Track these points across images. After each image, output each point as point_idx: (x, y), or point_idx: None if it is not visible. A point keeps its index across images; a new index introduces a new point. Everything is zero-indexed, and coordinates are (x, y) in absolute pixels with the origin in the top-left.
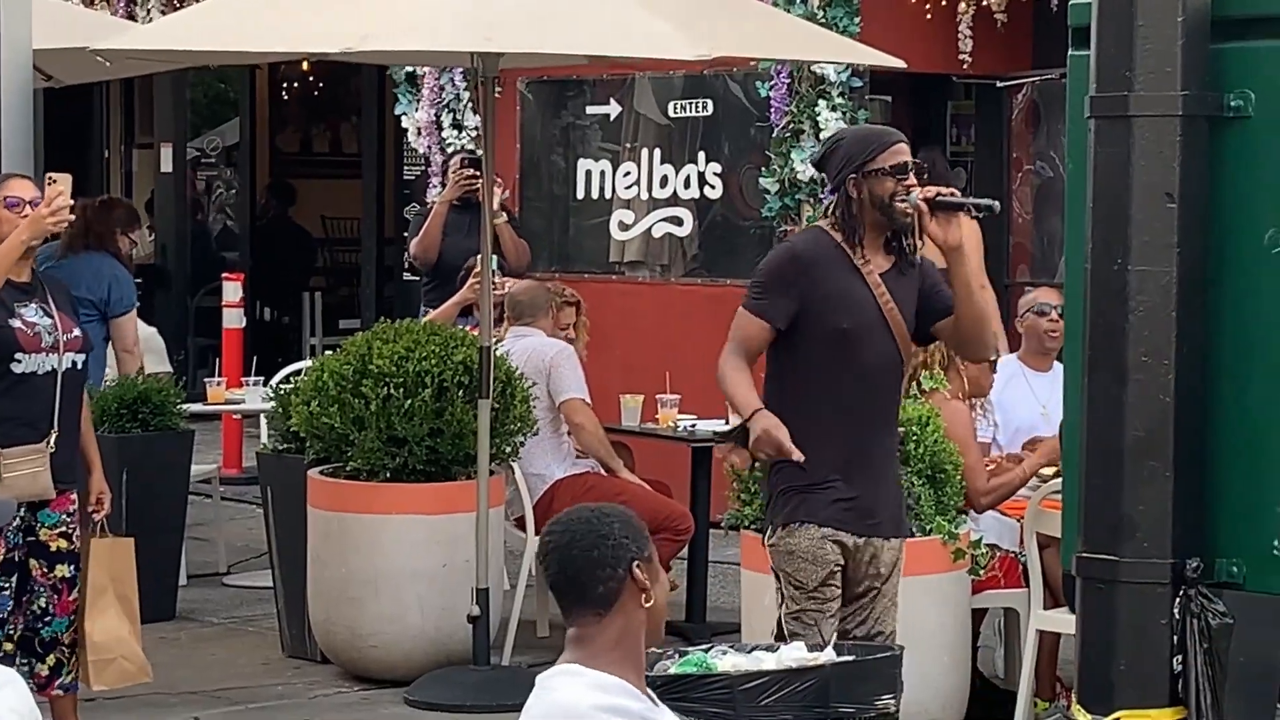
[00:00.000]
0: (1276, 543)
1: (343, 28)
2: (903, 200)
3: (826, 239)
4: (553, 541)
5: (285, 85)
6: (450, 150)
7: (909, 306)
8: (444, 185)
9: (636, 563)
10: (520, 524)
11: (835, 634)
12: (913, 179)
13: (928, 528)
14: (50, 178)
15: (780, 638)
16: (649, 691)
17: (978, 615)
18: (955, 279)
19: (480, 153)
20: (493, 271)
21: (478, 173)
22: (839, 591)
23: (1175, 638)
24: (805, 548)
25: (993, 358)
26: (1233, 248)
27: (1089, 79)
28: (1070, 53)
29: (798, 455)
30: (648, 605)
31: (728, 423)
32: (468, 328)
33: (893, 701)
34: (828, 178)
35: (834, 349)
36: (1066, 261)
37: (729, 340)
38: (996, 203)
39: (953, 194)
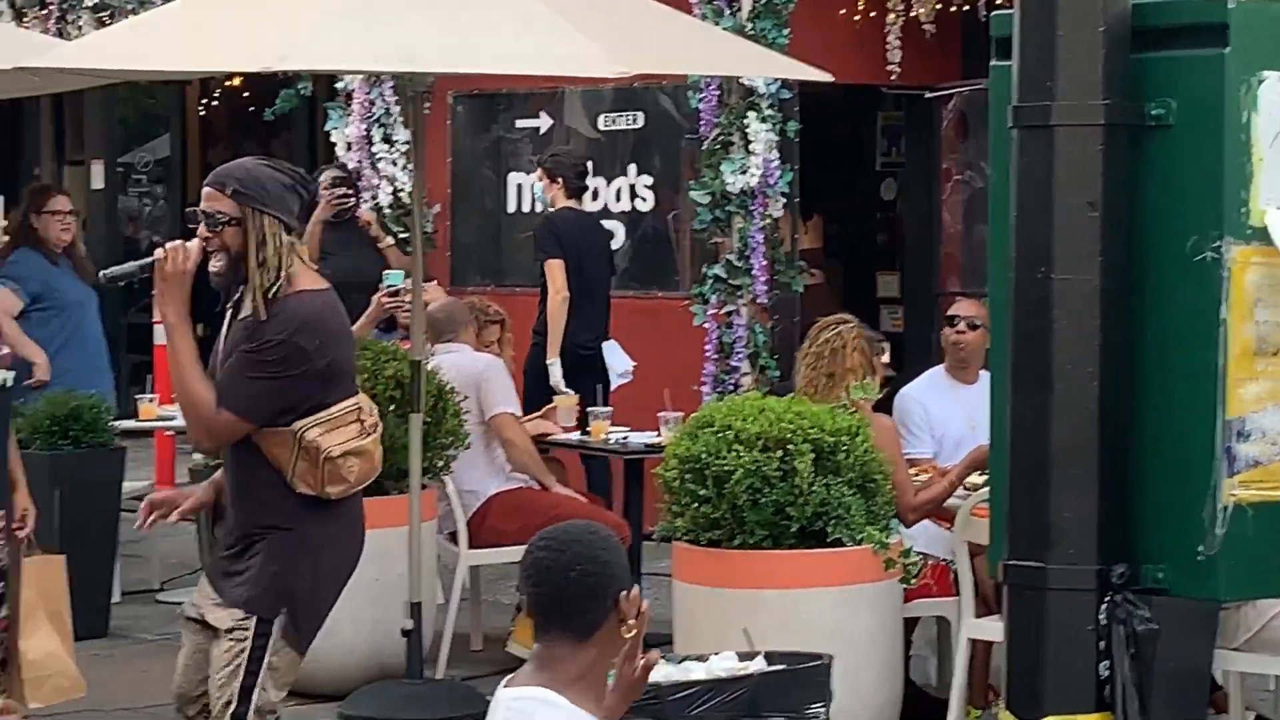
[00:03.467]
0: (1201, 548)
1: (262, 47)
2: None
3: None
4: (546, 560)
5: (216, 100)
6: (327, 169)
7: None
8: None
9: (624, 593)
10: (453, 538)
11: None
12: (201, 227)
13: (858, 537)
14: None
15: None
16: None
17: (910, 624)
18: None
19: (349, 167)
20: (401, 287)
21: (349, 190)
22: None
23: (1102, 644)
24: None
25: (204, 448)
26: (1155, 255)
27: (1011, 89)
28: (993, 63)
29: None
30: (628, 636)
31: (659, 435)
32: (397, 342)
33: (823, 710)
34: None
35: None
36: (991, 271)
37: None
38: (127, 267)
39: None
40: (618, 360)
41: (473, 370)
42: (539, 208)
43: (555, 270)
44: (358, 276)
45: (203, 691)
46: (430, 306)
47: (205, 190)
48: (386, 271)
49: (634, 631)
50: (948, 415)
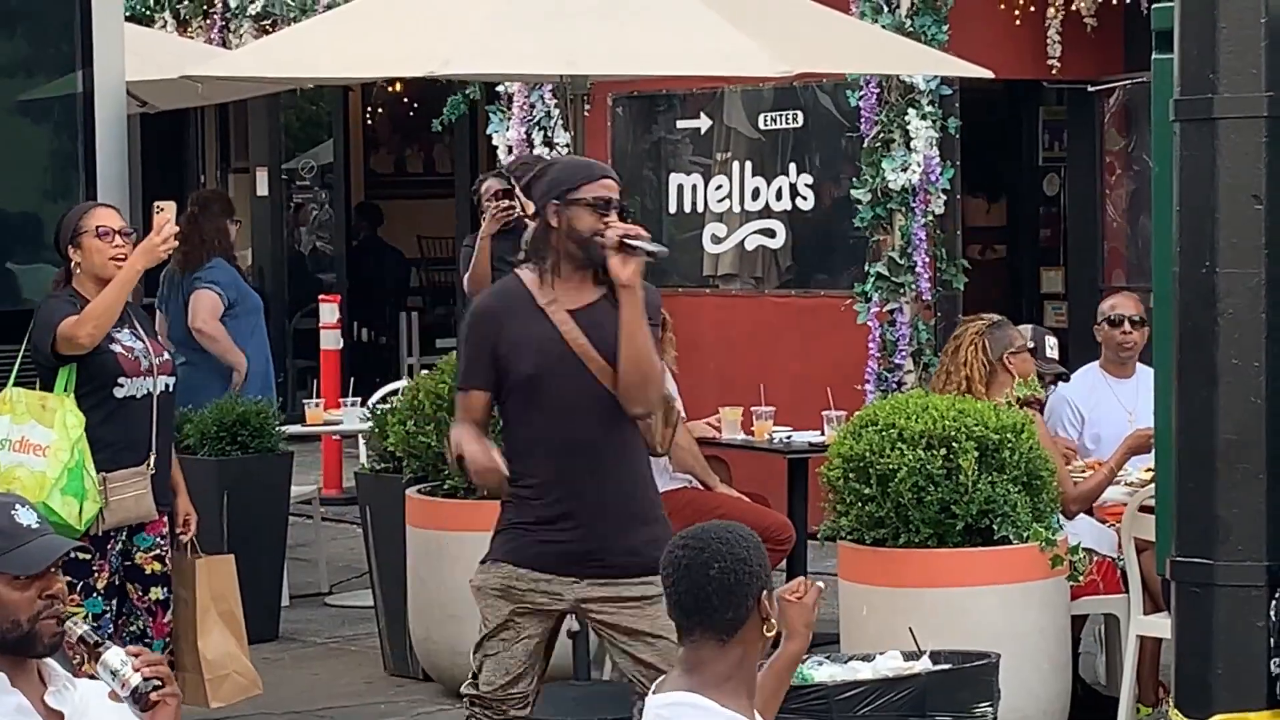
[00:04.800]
0: None
1: (425, 52)
2: (600, 236)
3: (513, 284)
4: (685, 559)
5: (378, 106)
6: (488, 178)
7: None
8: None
9: (765, 591)
10: None
11: (506, 676)
12: (613, 216)
13: (1024, 535)
14: (157, 205)
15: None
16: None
17: (1077, 621)
18: (620, 318)
19: (508, 176)
20: None
21: (512, 201)
22: (526, 631)
23: (1273, 640)
24: (494, 585)
25: (641, 413)
26: None
27: (1173, 82)
28: (1154, 56)
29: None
30: (769, 635)
31: (823, 434)
32: None
33: (990, 709)
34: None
35: (526, 394)
36: (1154, 265)
37: (456, 418)
38: (664, 249)
39: (637, 236)
40: None
41: None
42: (699, 208)
43: None
44: None
45: (529, 668)
46: None
47: (610, 182)
48: None
49: (774, 632)
50: (1104, 414)
